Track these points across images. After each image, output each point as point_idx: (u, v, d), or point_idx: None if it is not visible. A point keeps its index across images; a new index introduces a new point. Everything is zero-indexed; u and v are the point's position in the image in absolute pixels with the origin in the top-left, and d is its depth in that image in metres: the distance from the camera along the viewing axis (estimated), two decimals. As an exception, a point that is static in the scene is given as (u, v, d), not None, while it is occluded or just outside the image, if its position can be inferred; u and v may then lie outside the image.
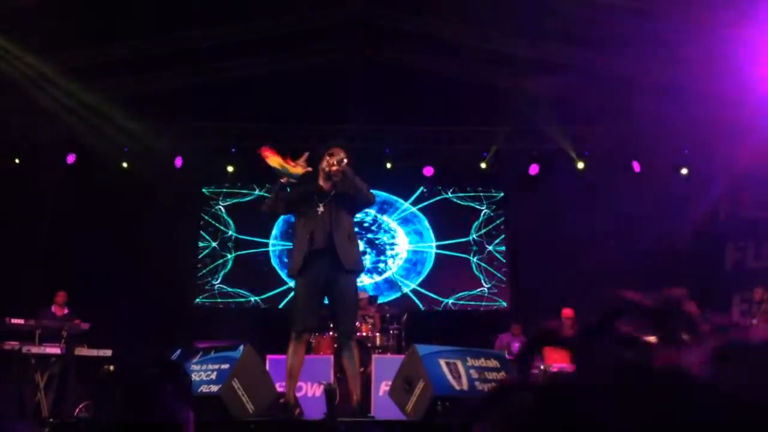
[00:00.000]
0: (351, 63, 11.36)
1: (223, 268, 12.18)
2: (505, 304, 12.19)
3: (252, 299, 12.03)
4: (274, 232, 12.26)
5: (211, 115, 11.37)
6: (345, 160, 5.08)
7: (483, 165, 12.15)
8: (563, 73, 10.21)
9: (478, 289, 12.20)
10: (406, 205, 12.50)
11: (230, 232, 12.31)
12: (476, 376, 4.54)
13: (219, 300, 12.03)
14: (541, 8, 9.31)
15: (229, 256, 12.23)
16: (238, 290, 12.06)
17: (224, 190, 12.44)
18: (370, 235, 12.23)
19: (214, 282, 12.10)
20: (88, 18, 9.13)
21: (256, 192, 12.41)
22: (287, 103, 11.09)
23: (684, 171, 11.60)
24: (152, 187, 11.34)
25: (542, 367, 4.69)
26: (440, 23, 10.25)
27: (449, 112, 11.41)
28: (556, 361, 8.70)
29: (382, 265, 12.23)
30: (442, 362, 4.49)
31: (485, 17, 9.61)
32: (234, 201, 12.43)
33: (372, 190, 5.18)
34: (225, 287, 12.08)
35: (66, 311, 9.01)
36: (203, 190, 12.42)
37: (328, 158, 5.13)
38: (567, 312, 9.93)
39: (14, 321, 7.92)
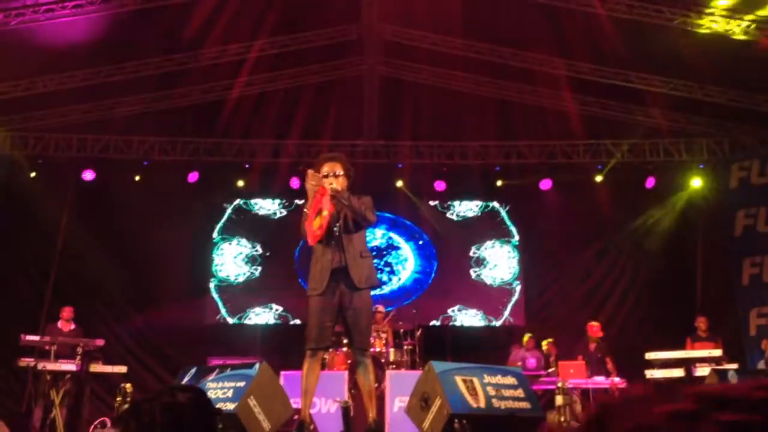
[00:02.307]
0: (365, 79, 11.39)
1: (238, 283, 12.18)
2: (517, 319, 12.13)
3: (270, 314, 12.01)
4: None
5: (224, 131, 11.41)
6: (338, 182, 4.90)
7: (499, 183, 12.15)
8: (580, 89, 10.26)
9: (491, 304, 12.16)
10: (415, 223, 12.51)
11: (247, 247, 12.32)
12: (493, 393, 4.48)
13: (233, 316, 12.01)
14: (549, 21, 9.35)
15: (246, 271, 12.22)
16: (255, 306, 12.05)
17: (239, 205, 12.47)
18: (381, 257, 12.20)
19: (228, 297, 12.09)
20: (113, 35, 9.25)
21: (268, 207, 12.45)
22: (300, 118, 11.14)
23: (697, 184, 11.53)
24: (167, 202, 11.40)
25: (559, 384, 4.63)
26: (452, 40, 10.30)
27: (461, 128, 11.41)
28: (572, 377, 8.66)
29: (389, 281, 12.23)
30: (458, 379, 4.44)
31: (500, 32, 9.67)
32: (248, 215, 12.45)
33: (379, 213, 5.05)
34: (240, 302, 12.07)
35: (72, 326, 8.99)
36: (218, 205, 12.44)
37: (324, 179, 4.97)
38: (592, 326, 9.82)
39: (29, 338, 7.95)
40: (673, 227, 11.37)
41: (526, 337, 10.71)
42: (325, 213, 4.72)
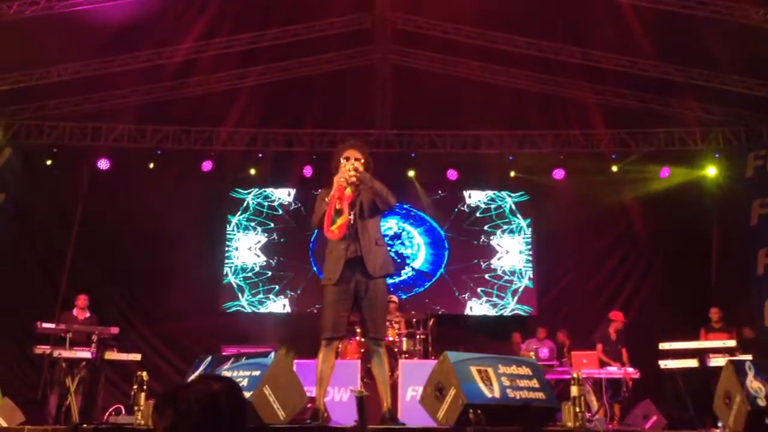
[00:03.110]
0: (378, 68, 11.37)
1: (253, 271, 12.22)
2: (530, 309, 12.11)
3: (284, 303, 12.06)
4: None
5: (239, 120, 11.41)
6: (360, 165, 4.93)
7: (511, 175, 12.11)
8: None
9: (503, 294, 12.15)
10: (428, 216, 12.51)
11: (261, 236, 12.36)
12: (508, 384, 4.47)
13: (248, 305, 12.06)
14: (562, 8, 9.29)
15: (260, 260, 12.27)
16: (269, 295, 12.10)
17: (253, 194, 12.50)
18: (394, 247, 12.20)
19: (243, 286, 12.14)
20: (127, 24, 9.27)
21: (282, 197, 12.48)
22: (313, 107, 11.13)
23: (712, 173, 11.40)
24: (181, 191, 11.43)
25: (575, 375, 4.62)
26: (465, 28, 10.24)
27: (474, 117, 11.34)
28: (585, 367, 8.64)
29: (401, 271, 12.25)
30: (473, 369, 4.43)
31: (512, 22, 9.61)
32: (261, 204, 12.48)
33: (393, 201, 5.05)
34: (254, 291, 12.12)
35: (87, 314, 9.07)
36: (232, 193, 12.47)
37: (344, 163, 4.99)
38: (617, 315, 9.82)
39: (45, 325, 8.02)
40: (687, 216, 11.26)
41: (539, 329, 10.75)
42: (341, 221, 4.74)
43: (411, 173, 12.00)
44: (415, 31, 10.51)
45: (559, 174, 11.80)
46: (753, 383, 4.42)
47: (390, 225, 12.30)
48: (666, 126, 11.31)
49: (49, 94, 10.65)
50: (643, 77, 10.31)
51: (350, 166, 4.91)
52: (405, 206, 12.33)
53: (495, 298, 12.13)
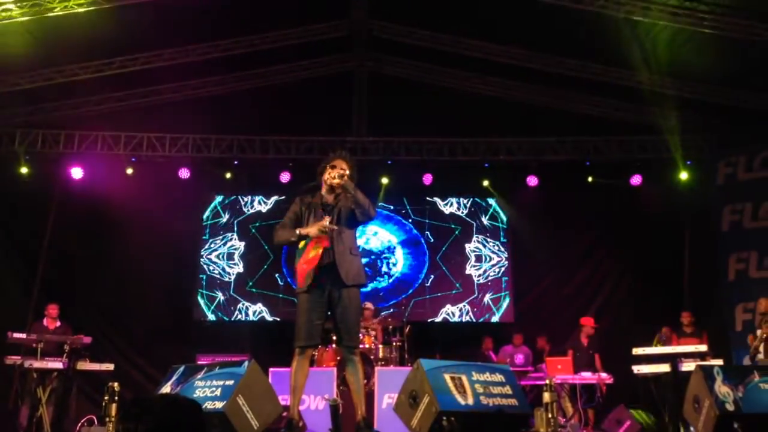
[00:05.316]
0: (354, 75, 11.40)
1: (227, 279, 12.15)
2: (506, 315, 12.16)
3: (259, 311, 11.99)
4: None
5: (215, 126, 11.35)
6: (345, 173, 5.00)
7: (485, 182, 12.18)
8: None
9: (479, 300, 12.19)
10: (405, 219, 12.54)
11: (236, 244, 12.29)
12: (481, 391, 4.50)
13: (222, 313, 11.98)
14: (540, 18, 9.39)
15: (235, 268, 12.19)
16: (243, 303, 12.02)
17: (229, 201, 12.43)
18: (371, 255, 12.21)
19: (217, 294, 12.06)
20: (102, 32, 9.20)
21: (257, 204, 12.43)
22: (291, 114, 11.11)
23: (684, 179, 11.53)
24: (156, 198, 11.32)
25: (547, 381, 4.66)
26: (442, 36, 10.31)
27: (451, 124, 11.39)
28: (559, 373, 8.71)
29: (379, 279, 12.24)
30: (447, 377, 4.45)
31: (487, 30, 9.69)
32: (237, 211, 12.42)
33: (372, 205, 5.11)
34: (229, 299, 12.04)
35: (58, 324, 8.94)
36: (207, 201, 12.38)
37: (330, 170, 5.04)
38: (587, 320, 9.91)
39: (16, 335, 7.90)
40: (657, 224, 11.39)
41: (515, 335, 10.82)
42: (312, 254, 4.80)
43: (385, 180, 11.96)
44: (393, 39, 10.57)
45: (533, 181, 11.86)
46: (721, 388, 4.48)
47: (375, 230, 12.30)
48: (639, 134, 11.43)
49: (21, 101, 10.53)
50: (616, 86, 10.44)
51: (335, 173, 4.96)
52: (380, 212, 12.32)
53: (471, 305, 12.17)
